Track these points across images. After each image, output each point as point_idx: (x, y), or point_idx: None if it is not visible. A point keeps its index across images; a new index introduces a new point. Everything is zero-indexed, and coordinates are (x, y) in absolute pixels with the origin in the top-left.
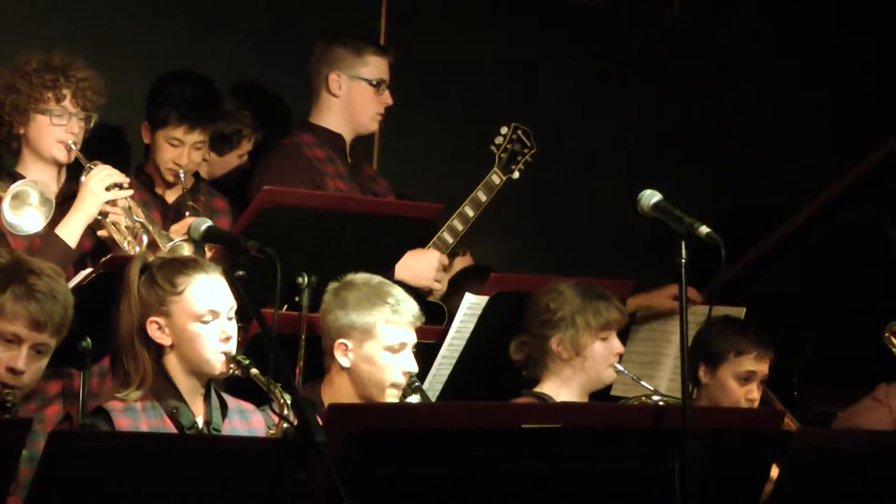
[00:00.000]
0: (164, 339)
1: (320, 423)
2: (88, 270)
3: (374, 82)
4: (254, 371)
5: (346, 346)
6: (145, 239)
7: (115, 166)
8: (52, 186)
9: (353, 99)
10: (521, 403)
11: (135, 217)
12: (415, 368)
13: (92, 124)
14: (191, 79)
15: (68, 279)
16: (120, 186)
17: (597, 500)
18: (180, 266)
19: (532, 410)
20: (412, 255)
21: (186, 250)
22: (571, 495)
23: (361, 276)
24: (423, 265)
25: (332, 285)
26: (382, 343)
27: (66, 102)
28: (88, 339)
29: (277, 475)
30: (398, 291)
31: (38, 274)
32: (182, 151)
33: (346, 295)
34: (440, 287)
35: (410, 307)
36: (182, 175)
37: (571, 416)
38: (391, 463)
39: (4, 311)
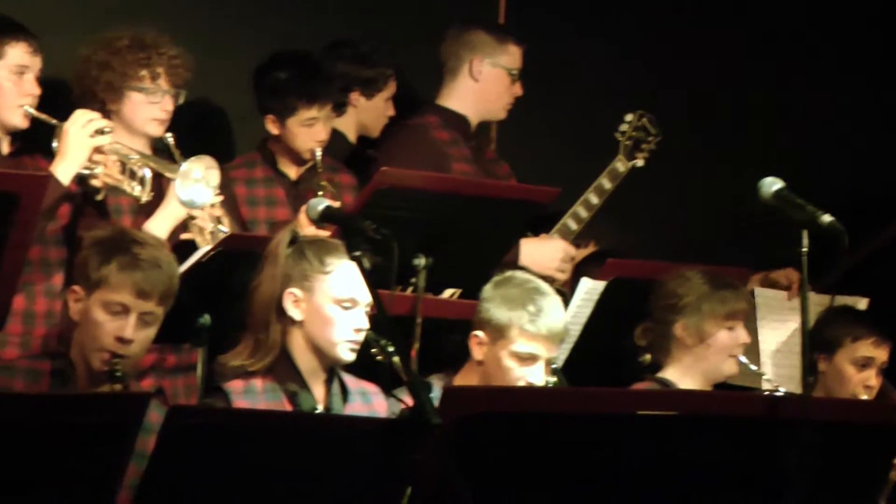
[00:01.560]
0: (296, 312)
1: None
2: (207, 248)
3: (513, 71)
4: (395, 359)
5: (479, 338)
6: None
7: (220, 149)
8: None
9: (489, 85)
10: (635, 390)
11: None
12: (539, 382)
13: (182, 100)
14: (288, 59)
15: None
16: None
17: (710, 489)
18: (332, 247)
19: (647, 397)
20: (537, 243)
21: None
22: (685, 483)
23: (522, 276)
24: (547, 253)
25: (497, 276)
26: (511, 348)
27: (160, 80)
28: (207, 316)
29: (391, 456)
30: (547, 303)
31: (142, 244)
32: (319, 127)
33: (499, 290)
34: (563, 277)
35: (550, 321)
36: (318, 153)
37: (687, 403)
38: (505, 446)
39: (110, 282)
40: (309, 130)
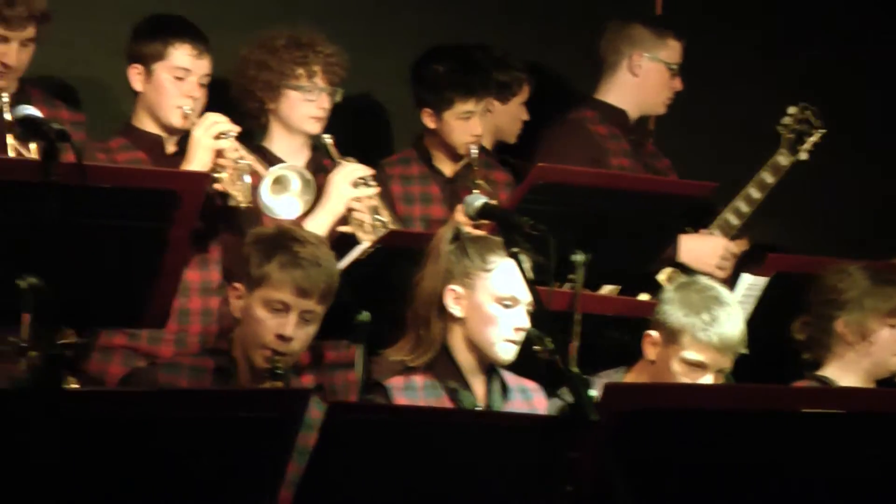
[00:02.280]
0: (457, 310)
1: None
2: (367, 244)
3: (673, 66)
4: (557, 357)
5: (653, 338)
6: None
7: (376, 146)
8: (301, 160)
9: (649, 80)
10: (800, 387)
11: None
12: None
13: (339, 98)
14: (446, 52)
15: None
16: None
17: (878, 489)
18: (494, 244)
19: (811, 394)
20: (698, 239)
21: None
22: (850, 482)
23: (704, 281)
24: (707, 250)
25: (681, 278)
26: (681, 354)
27: (317, 79)
28: (366, 313)
29: (549, 453)
30: (723, 313)
31: (303, 242)
32: (475, 121)
33: (679, 293)
34: (723, 274)
35: (724, 332)
36: (474, 151)
37: (852, 401)
38: (664, 444)
39: (271, 280)
40: (465, 124)
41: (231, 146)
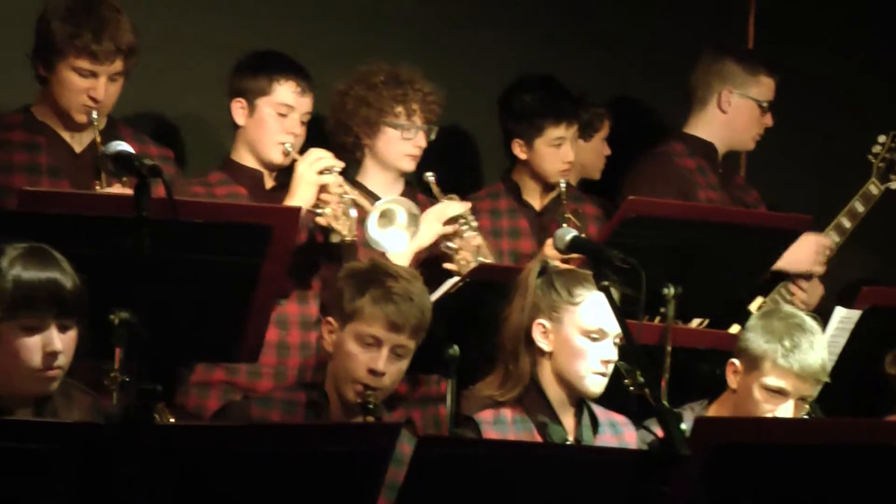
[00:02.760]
0: (545, 344)
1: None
2: (456, 279)
3: (764, 104)
4: (647, 390)
5: (735, 366)
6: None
7: (465, 179)
8: (394, 195)
9: (738, 117)
10: (893, 421)
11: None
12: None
13: (434, 136)
14: (532, 81)
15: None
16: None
17: None
18: (581, 278)
19: None
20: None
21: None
22: None
23: (788, 309)
24: (801, 250)
25: (766, 307)
26: (762, 380)
27: (415, 117)
28: (456, 347)
29: (640, 488)
30: (805, 340)
31: (396, 277)
32: (567, 148)
33: (762, 320)
34: (821, 270)
35: (805, 359)
36: (563, 185)
37: None
38: (756, 478)
39: (363, 314)
40: (557, 151)
41: (335, 181)
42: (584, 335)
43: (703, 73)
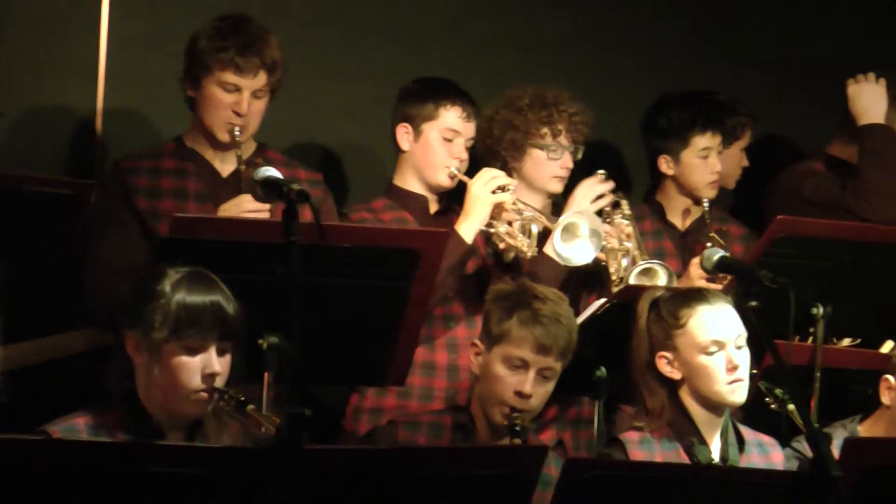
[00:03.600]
0: (674, 373)
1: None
2: (603, 301)
3: None
4: (791, 407)
5: (889, 382)
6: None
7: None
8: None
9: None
10: None
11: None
12: None
13: (580, 156)
14: (674, 98)
15: (581, 309)
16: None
17: None
18: (684, 298)
19: None
20: None
21: (661, 273)
22: None
23: None
24: None
25: None
26: None
27: (561, 137)
28: (603, 369)
29: None
30: None
31: (543, 299)
32: (714, 159)
33: None
34: None
35: None
36: (707, 204)
37: None
38: None
39: (511, 337)
40: (704, 163)
41: (510, 199)
42: (703, 352)
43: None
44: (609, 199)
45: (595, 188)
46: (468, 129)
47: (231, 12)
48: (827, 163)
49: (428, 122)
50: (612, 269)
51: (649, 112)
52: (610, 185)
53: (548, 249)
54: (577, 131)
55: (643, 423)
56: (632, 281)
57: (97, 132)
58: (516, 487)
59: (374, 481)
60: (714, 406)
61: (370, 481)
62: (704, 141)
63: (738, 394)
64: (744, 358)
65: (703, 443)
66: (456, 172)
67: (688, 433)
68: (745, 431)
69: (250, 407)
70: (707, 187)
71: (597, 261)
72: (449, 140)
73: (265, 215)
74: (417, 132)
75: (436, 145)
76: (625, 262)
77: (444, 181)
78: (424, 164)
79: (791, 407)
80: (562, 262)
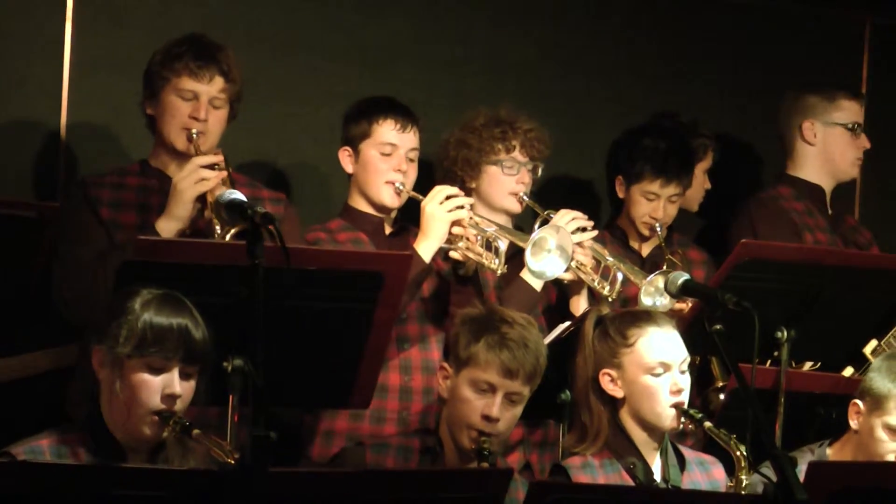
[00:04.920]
0: (616, 391)
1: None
2: (568, 323)
3: (850, 126)
4: (707, 424)
5: (858, 407)
6: (620, 277)
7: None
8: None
9: (829, 146)
10: None
11: (607, 257)
12: None
13: (539, 174)
14: (662, 131)
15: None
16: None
17: None
18: (633, 319)
19: None
20: None
21: (661, 285)
22: None
23: None
24: None
25: (883, 350)
26: (885, 419)
27: (516, 153)
28: (568, 392)
29: None
30: None
31: (511, 323)
32: (658, 205)
33: (887, 361)
34: None
35: None
36: (658, 228)
37: None
38: None
39: (478, 360)
40: (647, 204)
41: (467, 215)
42: (648, 373)
43: (785, 115)
44: (590, 233)
45: (575, 214)
46: (406, 140)
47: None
48: (793, 186)
49: (364, 140)
50: (605, 291)
51: (629, 131)
52: (590, 224)
53: (524, 274)
54: (532, 147)
55: (580, 447)
56: (644, 300)
57: (62, 150)
58: None
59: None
60: (652, 428)
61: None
62: (654, 187)
63: (676, 418)
64: (686, 383)
65: (644, 463)
66: (402, 188)
67: (627, 454)
68: (685, 451)
69: (196, 431)
70: (641, 225)
71: (579, 284)
72: (387, 154)
73: (219, 176)
74: (357, 153)
75: (374, 162)
76: (619, 278)
77: (389, 199)
78: (366, 184)
79: (707, 424)
80: (536, 278)
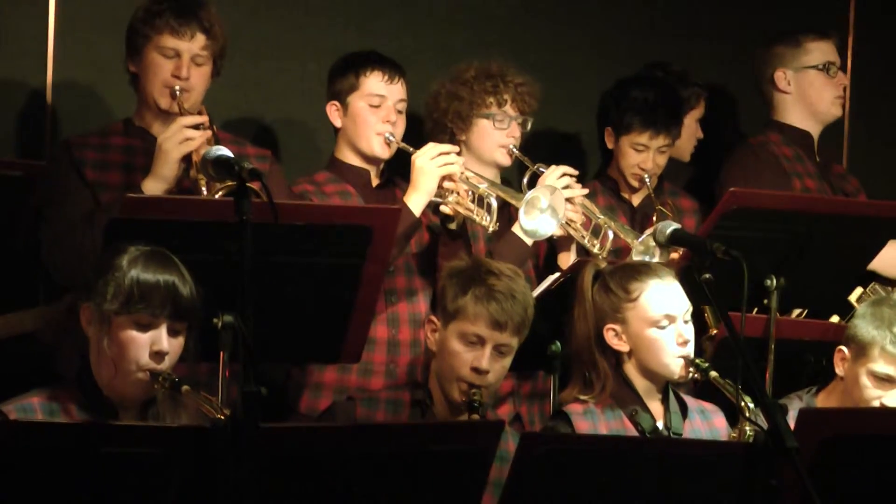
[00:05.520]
0: (621, 345)
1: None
2: (557, 275)
3: (821, 66)
4: (713, 374)
5: (843, 353)
6: (610, 235)
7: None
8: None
9: (804, 90)
10: None
11: (598, 215)
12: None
13: (528, 128)
14: (651, 82)
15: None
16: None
17: None
18: (633, 272)
19: None
20: (888, 246)
21: (652, 244)
22: None
23: None
24: (892, 254)
25: (875, 296)
26: (869, 366)
27: (507, 107)
28: (558, 343)
29: (745, 481)
30: None
31: (498, 275)
32: (647, 156)
33: (872, 307)
34: None
35: None
36: (647, 179)
37: None
38: (867, 469)
39: (466, 313)
40: (636, 155)
41: (459, 169)
42: (653, 326)
43: (758, 69)
44: (580, 189)
45: (565, 169)
46: (393, 91)
47: None
48: (782, 132)
49: (352, 93)
50: (595, 248)
51: (619, 82)
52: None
53: (515, 229)
54: (523, 101)
55: (582, 395)
56: (635, 258)
57: (47, 109)
58: (474, 463)
59: (332, 459)
60: (658, 378)
61: (328, 459)
62: (643, 138)
63: (683, 369)
64: (691, 333)
65: (646, 410)
66: (392, 139)
67: (630, 402)
68: (687, 399)
69: (185, 388)
70: (630, 176)
71: (568, 239)
72: (376, 106)
73: (204, 135)
74: (345, 106)
75: (363, 114)
76: (610, 236)
77: (380, 150)
78: (356, 136)
79: (713, 374)
80: (528, 237)
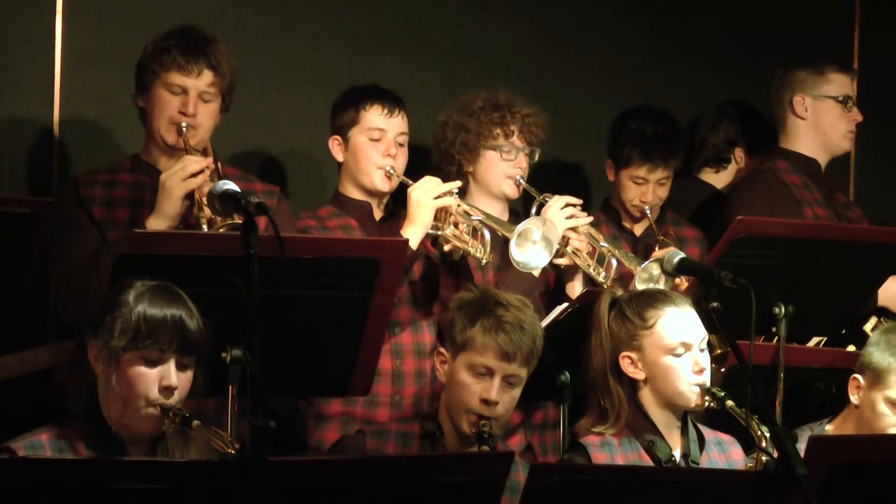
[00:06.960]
0: (637, 373)
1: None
2: (565, 305)
3: (840, 99)
4: (729, 403)
5: (858, 382)
6: (614, 263)
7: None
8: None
9: (820, 119)
10: None
11: (601, 242)
12: None
13: (536, 159)
14: (651, 115)
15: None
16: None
17: None
18: (650, 300)
19: None
20: (890, 282)
21: (655, 272)
22: None
23: None
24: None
25: (888, 324)
26: (886, 393)
27: (514, 138)
28: (567, 373)
29: None
30: None
31: (506, 306)
32: (647, 189)
33: (886, 335)
34: None
35: None
36: (648, 211)
37: None
38: (877, 497)
39: (475, 344)
40: (636, 188)
41: (454, 202)
42: (669, 353)
43: (776, 91)
44: (584, 218)
45: (568, 199)
46: (393, 124)
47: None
48: (789, 159)
49: (353, 127)
50: (600, 276)
51: (611, 129)
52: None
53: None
54: (530, 133)
55: (599, 428)
56: (638, 286)
57: (55, 146)
58: (483, 494)
59: (342, 492)
60: (674, 406)
61: (339, 492)
62: (641, 172)
63: (699, 397)
64: (707, 361)
65: (663, 440)
66: (393, 172)
67: (646, 431)
68: (705, 430)
69: (196, 423)
70: (631, 208)
71: (574, 269)
72: (376, 140)
73: (207, 173)
74: (346, 140)
75: (364, 148)
76: (614, 264)
77: (381, 183)
78: (357, 170)
79: (730, 403)
80: (520, 269)
